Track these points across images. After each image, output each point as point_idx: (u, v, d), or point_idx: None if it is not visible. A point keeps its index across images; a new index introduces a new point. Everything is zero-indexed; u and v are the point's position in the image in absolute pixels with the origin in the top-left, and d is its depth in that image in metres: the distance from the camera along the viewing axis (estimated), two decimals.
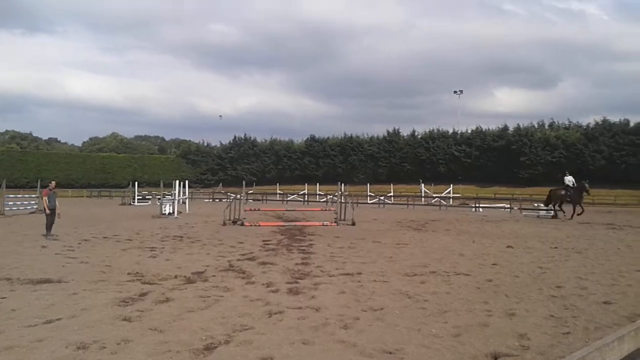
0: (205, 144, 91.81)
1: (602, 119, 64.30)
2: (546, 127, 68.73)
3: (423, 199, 48.44)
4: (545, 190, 51.36)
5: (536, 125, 68.79)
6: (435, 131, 74.29)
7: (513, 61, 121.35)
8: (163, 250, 13.74)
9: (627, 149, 58.42)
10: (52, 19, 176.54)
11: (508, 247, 14.89)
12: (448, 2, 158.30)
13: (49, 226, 16.39)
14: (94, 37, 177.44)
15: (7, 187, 30.10)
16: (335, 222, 22.33)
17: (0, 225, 21.44)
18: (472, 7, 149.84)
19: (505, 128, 69.51)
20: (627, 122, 62.11)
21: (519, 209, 35.64)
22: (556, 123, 69.04)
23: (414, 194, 50.54)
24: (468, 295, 8.36)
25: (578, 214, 26.63)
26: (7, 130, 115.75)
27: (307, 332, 6.19)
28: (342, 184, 28.17)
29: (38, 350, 5.43)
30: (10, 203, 29.56)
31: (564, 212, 28.13)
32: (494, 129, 70.83)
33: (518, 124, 68.83)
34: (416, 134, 75.79)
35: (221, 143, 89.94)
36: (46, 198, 16.85)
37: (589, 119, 68.10)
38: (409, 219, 26.65)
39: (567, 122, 68.32)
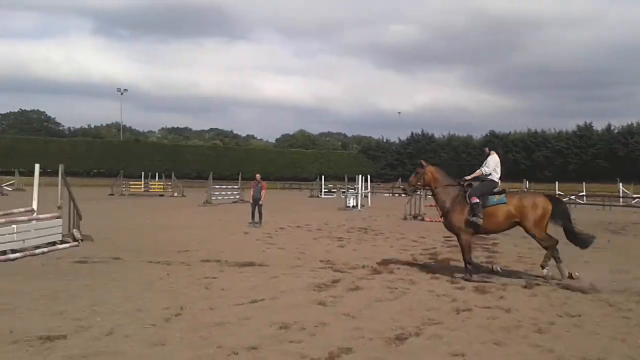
0: (384, 140, 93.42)
1: None
2: None
3: (621, 199, 43.18)
4: None
5: None
6: (635, 125, 66.77)
7: None
8: (350, 240, 14.38)
9: None
10: (247, 27, 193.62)
11: None
12: None
13: (252, 214, 18.11)
14: (283, 42, 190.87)
15: (212, 179, 33.89)
16: None
17: (208, 213, 24.30)
18: None
19: None
20: None
21: None
22: None
23: (609, 193, 45.27)
24: None
25: None
26: (211, 128, 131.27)
27: (498, 332, 6.00)
28: (527, 182, 26.48)
29: (246, 327, 5.98)
30: (216, 193, 33.16)
31: None
32: None
33: None
34: (612, 128, 68.88)
35: (399, 139, 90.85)
36: (252, 190, 18.64)
37: None
38: (606, 221, 24.05)
39: None
